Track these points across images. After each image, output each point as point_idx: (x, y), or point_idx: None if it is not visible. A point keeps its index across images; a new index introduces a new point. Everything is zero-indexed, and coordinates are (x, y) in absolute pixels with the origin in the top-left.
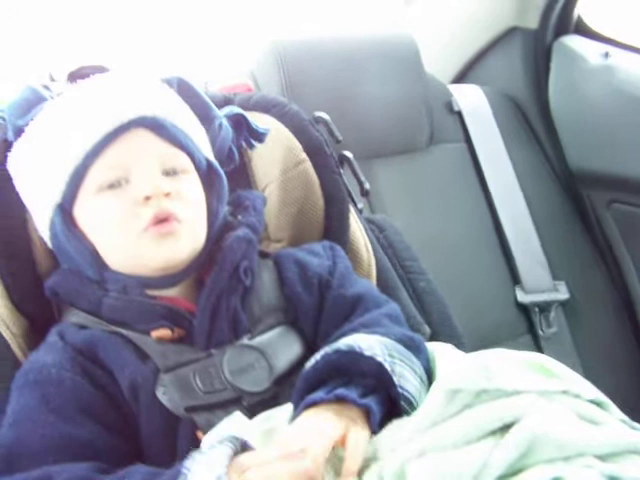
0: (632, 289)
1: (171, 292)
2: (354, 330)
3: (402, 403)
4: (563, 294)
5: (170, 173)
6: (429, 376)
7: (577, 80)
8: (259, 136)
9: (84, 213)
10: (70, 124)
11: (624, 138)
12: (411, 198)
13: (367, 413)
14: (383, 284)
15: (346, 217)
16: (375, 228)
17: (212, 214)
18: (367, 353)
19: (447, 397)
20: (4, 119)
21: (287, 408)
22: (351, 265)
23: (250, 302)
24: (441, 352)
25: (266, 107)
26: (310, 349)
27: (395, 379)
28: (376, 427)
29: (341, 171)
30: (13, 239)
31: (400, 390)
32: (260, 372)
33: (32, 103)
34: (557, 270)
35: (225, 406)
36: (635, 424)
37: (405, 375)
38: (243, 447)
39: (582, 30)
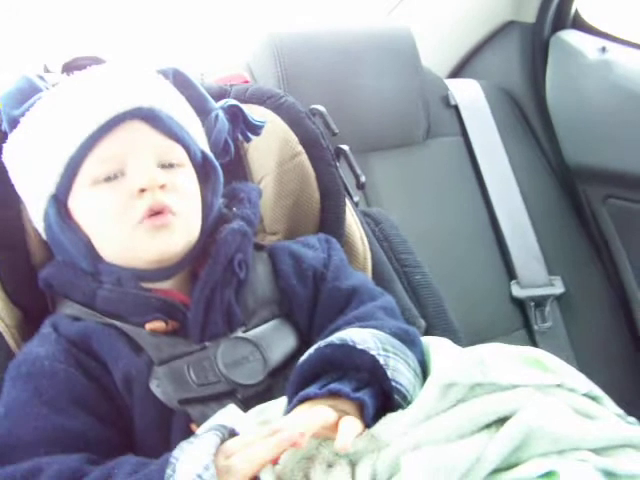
0: (627, 284)
1: (165, 284)
2: (348, 323)
3: (396, 397)
4: (558, 289)
5: (165, 165)
6: (423, 369)
7: (574, 75)
8: (255, 128)
9: (79, 205)
10: (65, 115)
11: (621, 133)
12: (407, 192)
13: (361, 407)
14: (379, 277)
15: (342, 210)
16: (371, 221)
17: (207, 207)
18: (360, 347)
19: (441, 391)
20: None
21: (281, 401)
22: (346, 258)
23: (244, 295)
24: (436, 346)
25: (262, 99)
26: (305, 342)
27: (389, 373)
28: (370, 421)
29: (337, 164)
30: (7, 230)
31: (394, 384)
32: (254, 365)
33: (27, 94)
34: (553, 265)
35: (219, 399)
36: (630, 418)
37: (399, 369)
38: (231, 435)
39: (579, 25)
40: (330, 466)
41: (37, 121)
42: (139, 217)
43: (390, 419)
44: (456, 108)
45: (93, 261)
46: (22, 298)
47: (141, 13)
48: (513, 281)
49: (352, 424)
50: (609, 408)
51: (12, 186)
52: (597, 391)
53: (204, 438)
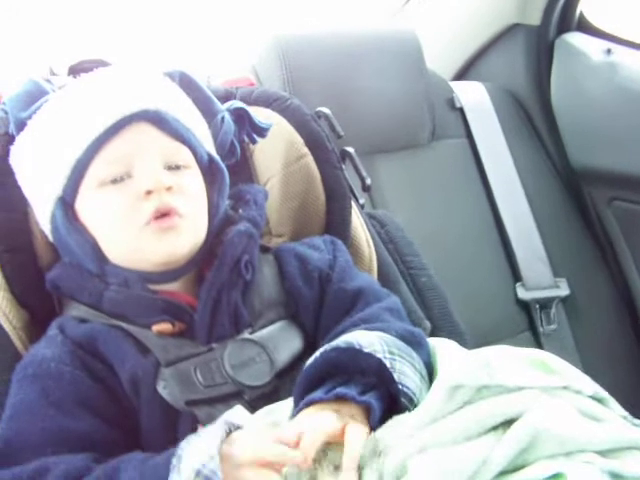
0: (632, 286)
1: (172, 286)
2: (354, 325)
3: (402, 400)
4: (564, 291)
5: (172, 167)
6: (429, 371)
7: (579, 77)
8: (261, 130)
9: (86, 207)
10: (72, 117)
11: (626, 135)
12: (412, 194)
13: (367, 410)
14: (384, 279)
15: (347, 212)
16: (376, 223)
17: (213, 208)
18: (367, 350)
19: (448, 393)
20: (6, 112)
21: (288, 402)
22: (352, 259)
23: (251, 296)
24: (442, 348)
25: (268, 101)
26: (311, 343)
27: (395, 376)
28: (376, 424)
29: (343, 166)
30: (15, 232)
31: (400, 387)
32: (261, 366)
33: (34, 96)
34: (558, 267)
35: (226, 400)
36: (636, 420)
37: (405, 371)
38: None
39: (584, 27)
40: (337, 468)
41: (44, 123)
42: (146, 219)
43: (396, 422)
44: (461, 110)
45: (100, 263)
46: (29, 300)
47: (148, 16)
48: (518, 283)
49: (358, 432)
50: (615, 410)
51: (19, 188)
52: (603, 393)
53: (211, 431)
